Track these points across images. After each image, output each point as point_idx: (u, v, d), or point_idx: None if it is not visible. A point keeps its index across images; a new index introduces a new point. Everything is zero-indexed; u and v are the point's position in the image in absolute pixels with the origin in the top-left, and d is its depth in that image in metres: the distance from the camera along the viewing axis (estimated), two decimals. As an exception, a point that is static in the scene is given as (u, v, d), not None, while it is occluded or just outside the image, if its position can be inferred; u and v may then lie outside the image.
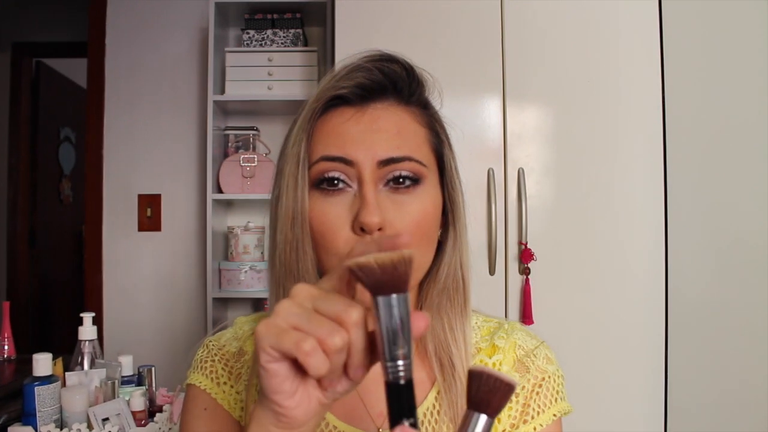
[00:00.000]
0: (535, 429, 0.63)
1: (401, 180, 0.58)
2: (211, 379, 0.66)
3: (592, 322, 1.49)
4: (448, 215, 0.63)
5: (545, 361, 0.66)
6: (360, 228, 0.55)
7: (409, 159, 0.58)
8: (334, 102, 0.60)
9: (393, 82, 0.61)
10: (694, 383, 1.46)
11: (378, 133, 0.58)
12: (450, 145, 0.65)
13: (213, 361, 0.67)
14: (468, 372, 0.41)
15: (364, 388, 0.63)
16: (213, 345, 0.68)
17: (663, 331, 1.48)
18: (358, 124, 0.58)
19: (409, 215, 0.58)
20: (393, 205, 0.58)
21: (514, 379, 0.41)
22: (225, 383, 0.66)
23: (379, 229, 0.56)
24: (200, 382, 0.66)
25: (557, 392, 0.65)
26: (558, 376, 0.66)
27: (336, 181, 0.58)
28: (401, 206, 0.58)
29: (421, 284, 0.64)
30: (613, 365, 1.49)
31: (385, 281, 0.38)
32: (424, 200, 0.59)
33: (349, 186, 0.58)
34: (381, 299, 0.38)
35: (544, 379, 0.65)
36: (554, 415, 0.64)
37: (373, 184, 0.57)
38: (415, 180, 0.59)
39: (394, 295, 0.38)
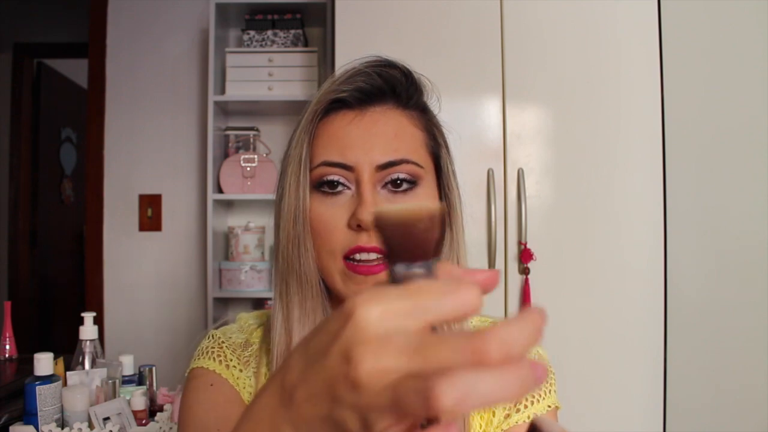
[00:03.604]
0: (529, 417, 0.63)
1: (399, 182, 0.60)
2: (219, 362, 0.65)
3: (592, 322, 1.50)
4: (445, 217, 0.65)
5: (537, 357, 0.67)
6: (357, 225, 0.57)
7: (407, 161, 0.60)
8: (335, 105, 0.62)
9: (392, 86, 0.62)
10: (693, 382, 1.46)
11: (376, 137, 0.60)
12: (448, 148, 0.66)
13: (221, 347, 0.66)
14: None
15: None
16: (219, 335, 0.68)
17: (662, 330, 1.49)
18: (358, 129, 0.60)
19: None
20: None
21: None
22: (235, 367, 0.65)
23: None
24: (207, 365, 0.65)
25: (550, 385, 0.67)
26: (551, 373, 0.67)
27: (335, 184, 0.60)
28: None
29: None
30: (612, 365, 1.49)
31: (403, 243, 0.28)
32: (421, 201, 0.60)
33: (348, 188, 0.60)
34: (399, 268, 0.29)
35: None
36: (548, 406, 0.65)
37: (371, 185, 0.59)
38: (412, 182, 0.60)
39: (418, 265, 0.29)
